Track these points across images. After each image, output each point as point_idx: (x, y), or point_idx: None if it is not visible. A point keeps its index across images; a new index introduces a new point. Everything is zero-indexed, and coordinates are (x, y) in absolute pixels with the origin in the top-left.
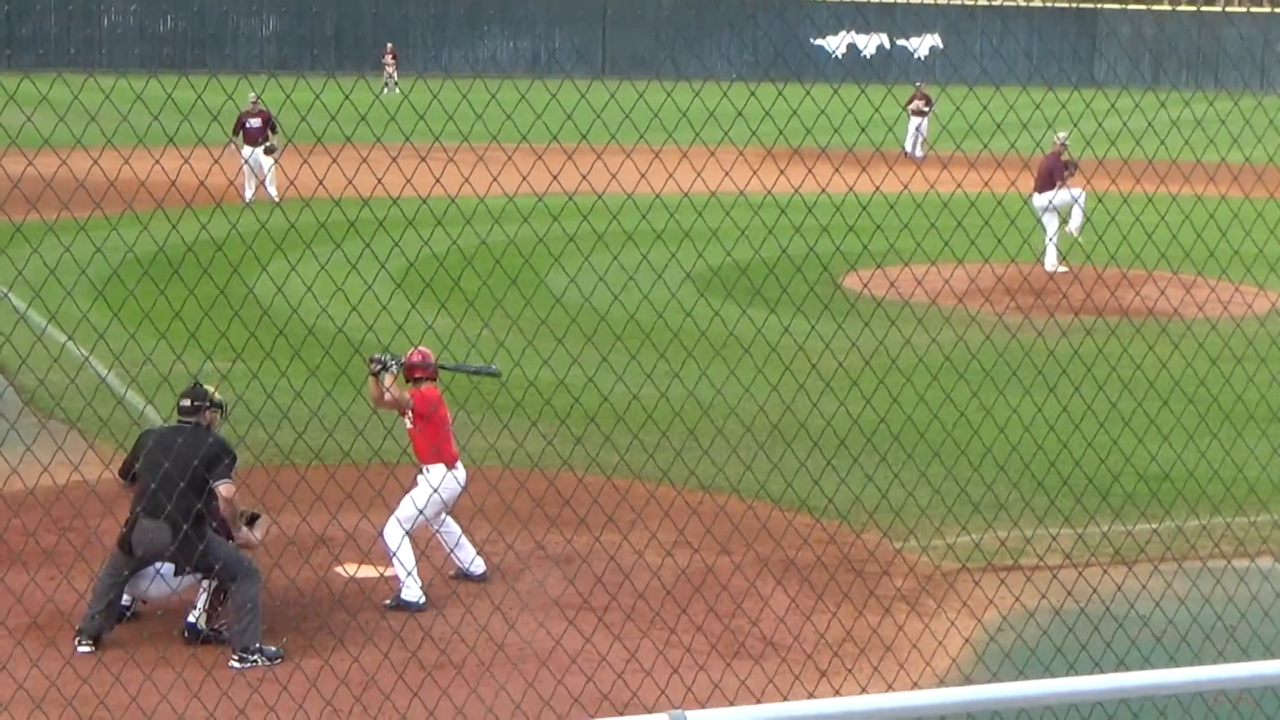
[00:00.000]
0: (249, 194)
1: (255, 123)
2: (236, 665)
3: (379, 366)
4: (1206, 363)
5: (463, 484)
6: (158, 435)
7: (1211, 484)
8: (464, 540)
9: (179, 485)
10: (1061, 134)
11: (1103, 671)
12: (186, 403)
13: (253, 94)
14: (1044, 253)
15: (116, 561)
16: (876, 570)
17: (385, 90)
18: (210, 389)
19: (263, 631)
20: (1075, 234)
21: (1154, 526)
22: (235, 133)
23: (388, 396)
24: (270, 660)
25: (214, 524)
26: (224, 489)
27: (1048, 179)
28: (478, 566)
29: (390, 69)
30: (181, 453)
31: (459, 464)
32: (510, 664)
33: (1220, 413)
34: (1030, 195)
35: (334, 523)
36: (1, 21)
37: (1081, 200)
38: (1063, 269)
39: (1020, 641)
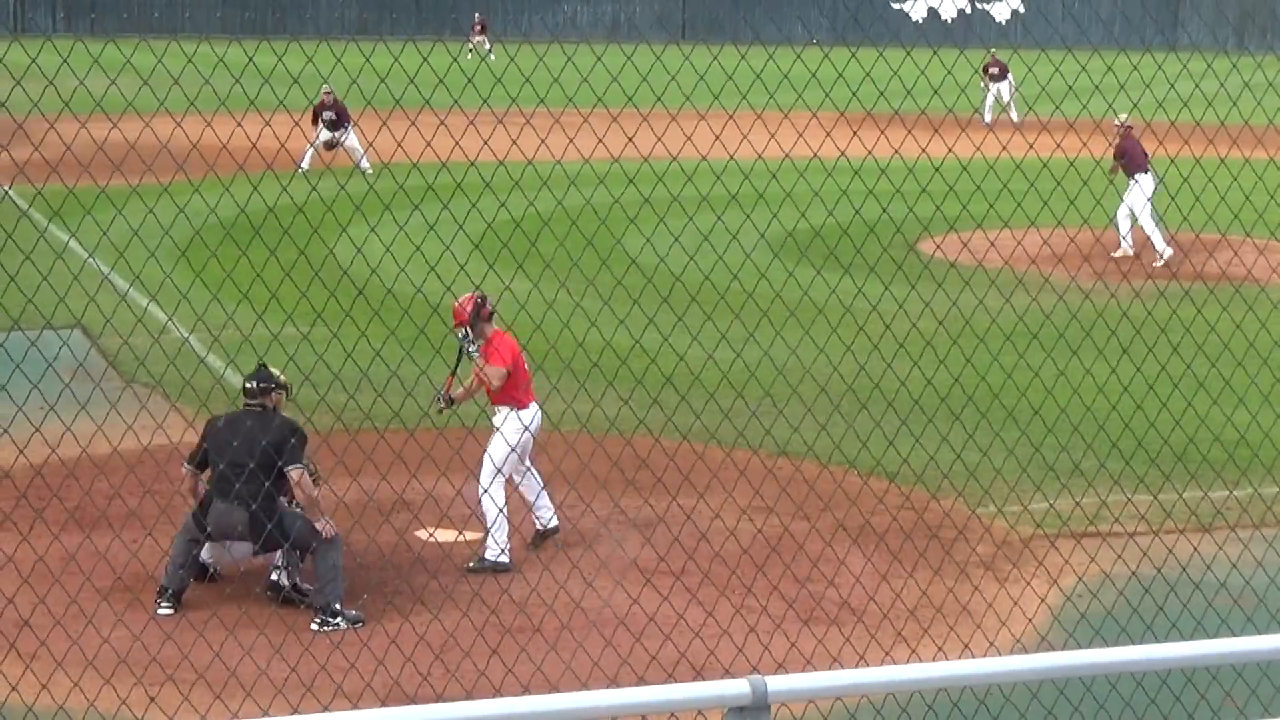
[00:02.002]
0: (366, 164)
1: (330, 115)
2: (316, 628)
3: (443, 404)
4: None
5: (528, 425)
6: (226, 420)
7: (1279, 456)
8: (544, 496)
9: (249, 468)
10: (1122, 115)
11: (1181, 635)
12: (252, 385)
13: (326, 86)
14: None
15: (190, 532)
16: (952, 534)
17: (487, 58)
18: (275, 371)
19: (344, 594)
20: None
21: (1230, 491)
22: (314, 122)
23: (463, 392)
24: (351, 624)
25: (289, 500)
26: (294, 473)
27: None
28: (552, 520)
29: (479, 39)
30: (250, 436)
31: (530, 405)
32: (589, 625)
33: None
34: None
35: (413, 484)
36: None
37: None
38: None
39: (1098, 605)
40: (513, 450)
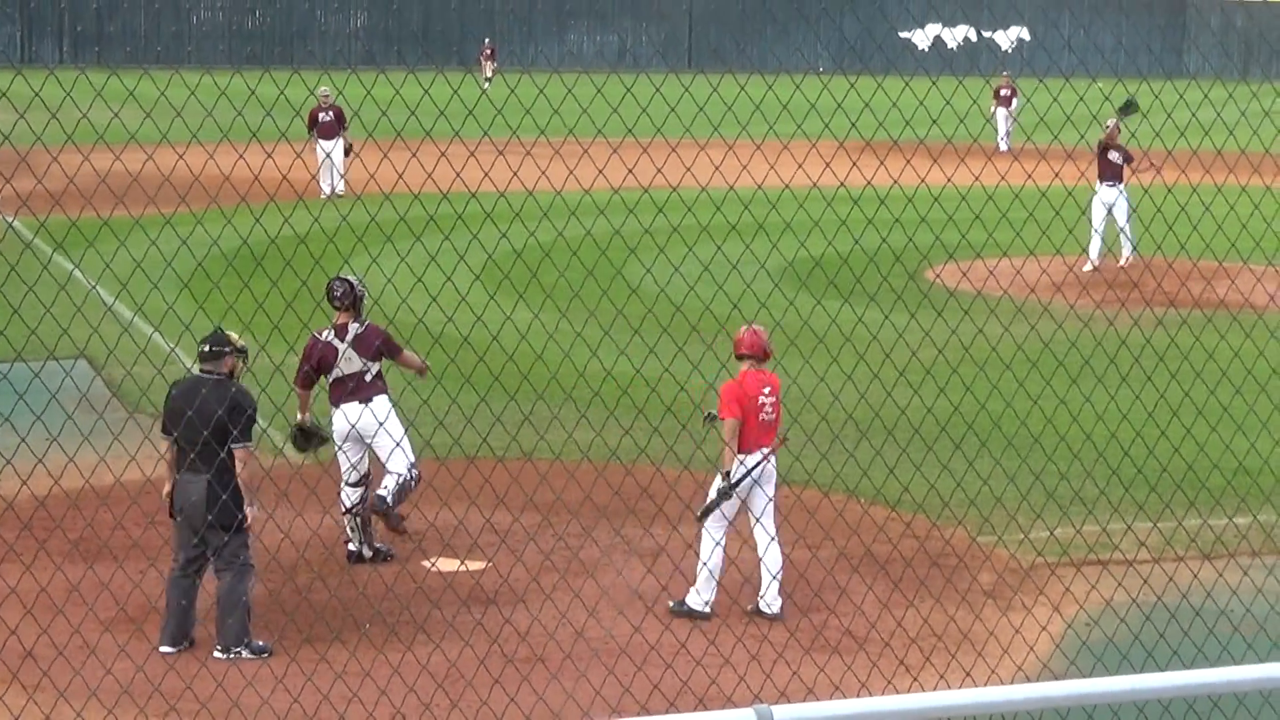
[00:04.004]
0: (326, 189)
1: (327, 117)
2: (220, 655)
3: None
4: (1278, 353)
5: (750, 473)
6: (182, 388)
7: (1278, 483)
8: (773, 553)
9: (205, 439)
10: (1110, 121)
11: (1183, 663)
12: (205, 349)
13: (324, 88)
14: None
15: (176, 538)
16: (953, 562)
17: (488, 85)
18: (232, 334)
19: (250, 622)
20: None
21: (1230, 518)
22: (310, 129)
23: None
24: (257, 655)
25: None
26: (241, 452)
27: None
28: (768, 603)
29: (489, 66)
30: (206, 405)
31: (755, 451)
32: (591, 654)
33: None
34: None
35: (416, 516)
36: (91, 18)
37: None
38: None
39: (1100, 633)
40: (729, 490)
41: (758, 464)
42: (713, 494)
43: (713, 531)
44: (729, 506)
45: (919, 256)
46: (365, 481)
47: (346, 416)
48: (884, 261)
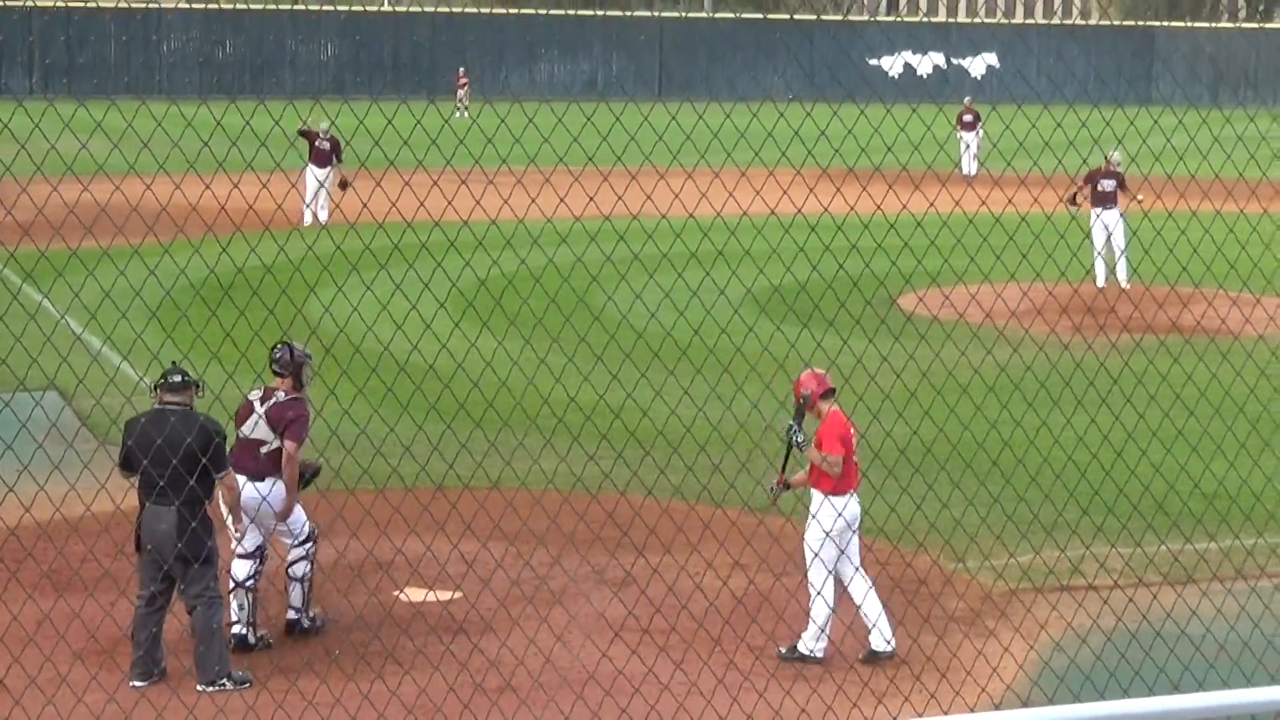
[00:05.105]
0: (309, 218)
1: (324, 145)
2: (202, 689)
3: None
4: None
5: (843, 514)
6: (149, 418)
7: (1256, 503)
8: (871, 601)
9: (174, 469)
10: (1114, 154)
11: (1154, 693)
12: (176, 379)
13: (325, 123)
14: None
15: (141, 572)
16: (929, 593)
17: (456, 114)
18: (187, 371)
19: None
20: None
21: (1212, 539)
22: (302, 136)
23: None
24: (238, 685)
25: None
26: (226, 479)
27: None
28: (882, 643)
29: (462, 94)
30: (175, 435)
31: (849, 491)
32: (560, 680)
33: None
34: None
35: (383, 542)
36: (60, 49)
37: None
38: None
39: (1083, 657)
40: (827, 536)
41: (846, 503)
42: (815, 534)
43: (815, 582)
44: (828, 554)
45: (901, 282)
46: (260, 555)
47: (258, 490)
48: (867, 287)
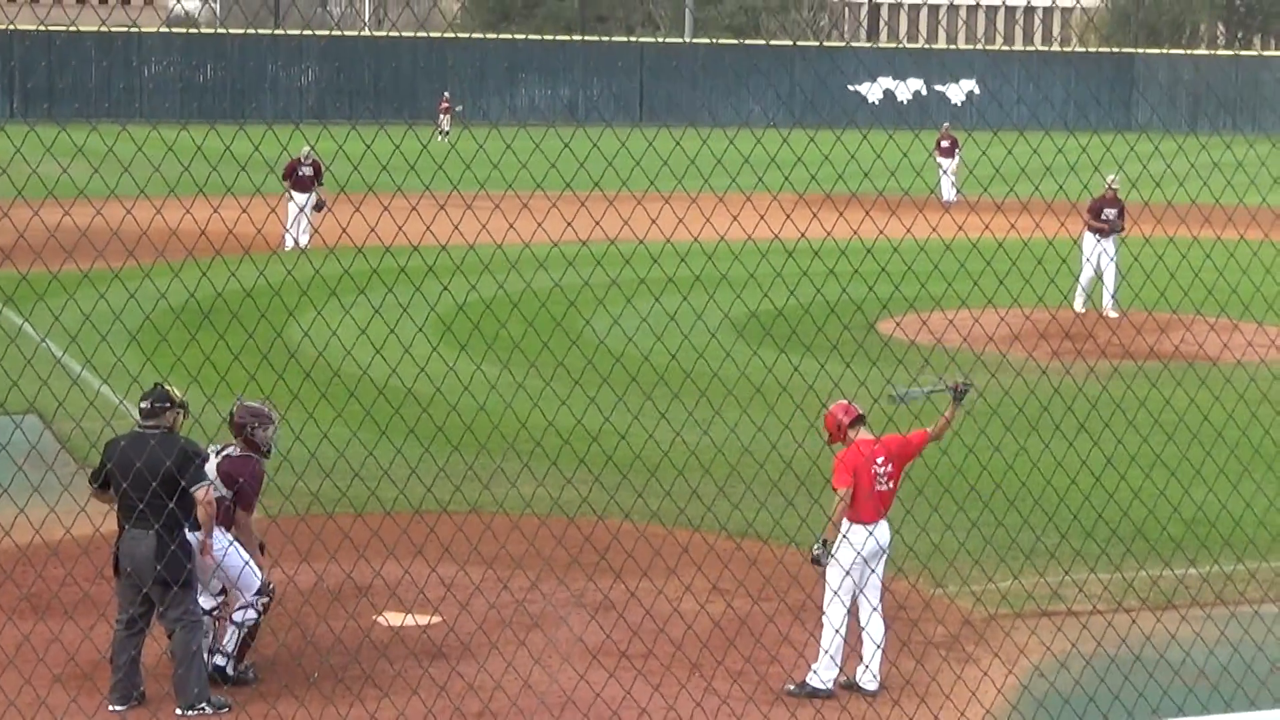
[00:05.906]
0: (290, 243)
1: (307, 171)
2: (181, 712)
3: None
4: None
5: (857, 546)
6: (128, 440)
7: (1235, 528)
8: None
9: (153, 492)
10: (1110, 177)
11: (1134, 718)
12: (148, 405)
13: (307, 147)
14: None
15: (119, 595)
16: (908, 618)
17: (438, 138)
18: (175, 391)
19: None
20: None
21: (1191, 565)
22: (286, 178)
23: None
24: (217, 710)
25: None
26: (200, 492)
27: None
28: (866, 680)
29: (444, 118)
30: (154, 457)
31: (864, 524)
32: (537, 703)
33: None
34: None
35: (362, 565)
36: (41, 73)
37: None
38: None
39: (1063, 682)
40: (846, 573)
41: (866, 538)
42: (817, 549)
43: (833, 618)
44: (845, 588)
45: (879, 307)
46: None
47: (220, 539)
48: (845, 312)
